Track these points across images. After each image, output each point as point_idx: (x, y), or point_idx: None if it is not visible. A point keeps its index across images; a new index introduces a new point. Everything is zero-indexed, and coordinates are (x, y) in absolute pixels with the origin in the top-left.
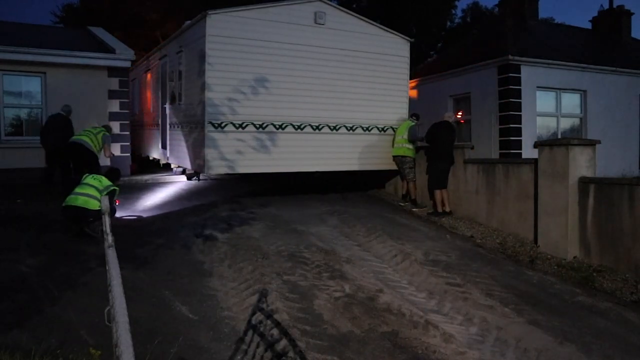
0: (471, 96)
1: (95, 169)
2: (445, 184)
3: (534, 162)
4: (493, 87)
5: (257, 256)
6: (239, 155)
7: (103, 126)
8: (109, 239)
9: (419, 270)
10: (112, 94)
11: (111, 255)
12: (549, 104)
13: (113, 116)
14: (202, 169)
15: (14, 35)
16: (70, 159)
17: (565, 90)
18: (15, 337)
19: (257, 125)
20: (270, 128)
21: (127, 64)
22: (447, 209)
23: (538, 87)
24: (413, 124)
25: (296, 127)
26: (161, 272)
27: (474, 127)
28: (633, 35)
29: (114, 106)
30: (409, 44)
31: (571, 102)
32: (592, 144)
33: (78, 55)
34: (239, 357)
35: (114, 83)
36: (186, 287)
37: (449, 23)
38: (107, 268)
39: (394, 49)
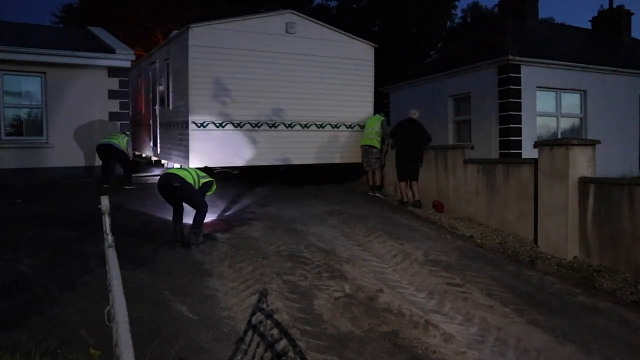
0: (471, 96)
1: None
2: (417, 177)
3: (534, 162)
4: (493, 87)
5: (257, 256)
6: (219, 151)
7: None
8: (109, 239)
9: (419, 270)
10: (112, 94)
11: (111, 255)
12: (549, 104)
13: (113, 116)
14: (187, 164)
15: (14, 35)
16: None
17: (565, 90)
18: (15, 337)
19: (235, 124)
20: (247, 127)
21: (127, 64)
22: (417, 197)
23: (538, 87)
24: (383, 118)
25: (270, 125)
26: (161, 272)
27: (474, 127)
28: (633, 35)
29: (114, 106)
30: (373, 49)
31: (571, 102)
32: (592, 144)
33: (78, 55)
34: (239, 357)
35: (114, 83)
36: (186, 287)
37: (449, 23)
38: (107, 268)
39: (360, 54)
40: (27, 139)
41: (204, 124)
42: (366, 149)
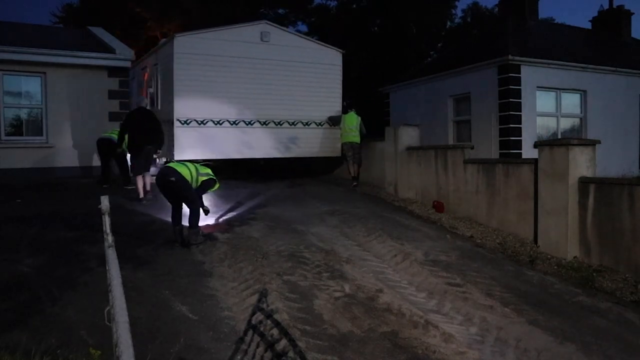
0: (471, 96)
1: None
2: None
3: (534, 162)
4: (493, 87)
5: (257, 256)
6: (200, 144)
7: None
8: (109, 239)
9: (419, 270)
10: (112, 94)
11: (111, 255)
12: (549, 104)
13: (113, 116)
14: (173, 157)
15: (14, 35)
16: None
17: (565, 90)
18: (15, 337)
19: (215, 122)
20: (226, 124)
21: (127, 64)
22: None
23: (538, 87)
24: (359, 117)
25: (247, 122)
26: (161, 272)
27: (474, 127)
28: (633, 35)
29: (114, 106)
30: (341, 55)
31: (571, 102)
32: (592, 144)
33: (78, 55)
34: (239, 357)
35: (114, 83)
36: (186, 287)
37: (449, 23)
38: (107, 268)
39: (329, 59)
40: (27, 139)
41: (187, 122)
42: (351, 145)
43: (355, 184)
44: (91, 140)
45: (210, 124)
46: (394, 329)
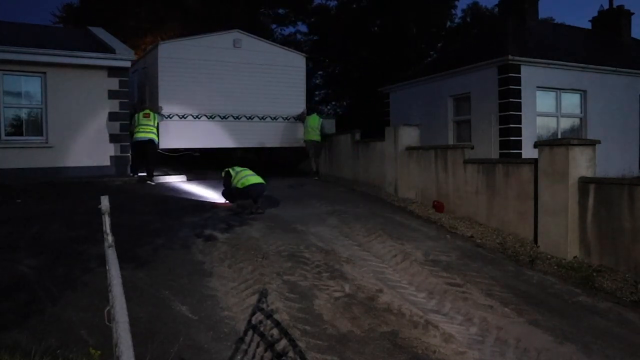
0: (471, 96)
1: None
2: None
3: (534, 162)
4: (493, 87)
5: (257, 256)
6: (181, 136)
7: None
8: (109, 239)
9: (419, 270)
10: (112, 94)
11: (111, 255)
12: (549, 104)
13: (113, 116)
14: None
15: (14, 35)
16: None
17: (565, 90)
18: (15, 337)
19: (194, 116)
20: (204, 118)
21: (127, 64)
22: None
23: (538, 87)
24: (321, 119)
25: (222, 117)
26: (161, 272)
27: (474, 127)
28: (633, 35)
29: (114, 106)
30: (304, 58)
31: (571, 102)
32: (592, 144)
33: (78, 56)
34: (239, 357)
35: (114, 83)
36: (186, 287)
37: (449, 23)
38: (107, 268)
39: (294, 62)
40: (27, 139)
41: (170, 116)
42: (314, 143)
43: (316, 177)
44: (91, 140)
45: (190, 118)
46: (394, 329)
